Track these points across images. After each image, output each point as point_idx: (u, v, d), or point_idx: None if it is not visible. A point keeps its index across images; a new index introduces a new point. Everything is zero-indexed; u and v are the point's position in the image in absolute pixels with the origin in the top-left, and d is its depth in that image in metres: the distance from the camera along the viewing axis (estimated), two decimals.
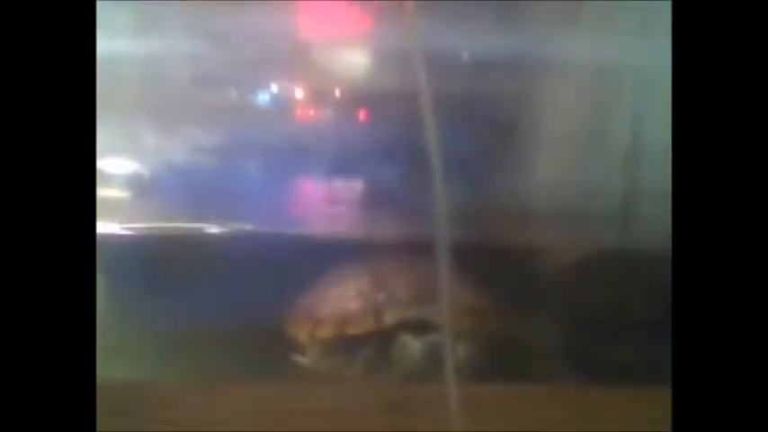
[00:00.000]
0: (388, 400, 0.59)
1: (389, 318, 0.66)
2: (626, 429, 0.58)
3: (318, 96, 0.82)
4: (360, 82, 0.80)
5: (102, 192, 0.71)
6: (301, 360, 0.67)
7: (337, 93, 0.82)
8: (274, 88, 0.81)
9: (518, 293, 0.71)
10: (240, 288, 0.70)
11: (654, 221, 0.73)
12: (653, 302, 0.64)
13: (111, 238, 0.71)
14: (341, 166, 0.79)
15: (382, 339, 0.65)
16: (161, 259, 0.74)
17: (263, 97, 0.81)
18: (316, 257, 0.71)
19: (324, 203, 0.80)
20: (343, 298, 0.68)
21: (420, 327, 0.65)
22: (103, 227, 0.66)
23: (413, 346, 0.64)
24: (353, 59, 0.80)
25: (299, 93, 0.82)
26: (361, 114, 0.81)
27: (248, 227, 0.75)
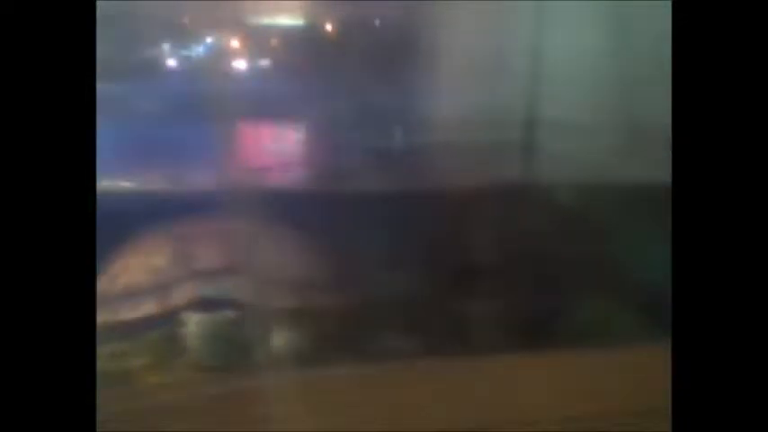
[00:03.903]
0: (178, 398, 0.48)
1: (181, 294, 0.52)
2: None
3: None
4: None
5: None
6: None
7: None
8: None
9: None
10: None
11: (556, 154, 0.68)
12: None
13: None
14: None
15: (171, 322, 0.52)
16: None
17: None
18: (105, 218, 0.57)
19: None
20: (126, 270, 0.54)
21: (221, 305, 0.52)
22: None
23: (209, 329, 0.51)
24: None
25: None
26: None
27: None
